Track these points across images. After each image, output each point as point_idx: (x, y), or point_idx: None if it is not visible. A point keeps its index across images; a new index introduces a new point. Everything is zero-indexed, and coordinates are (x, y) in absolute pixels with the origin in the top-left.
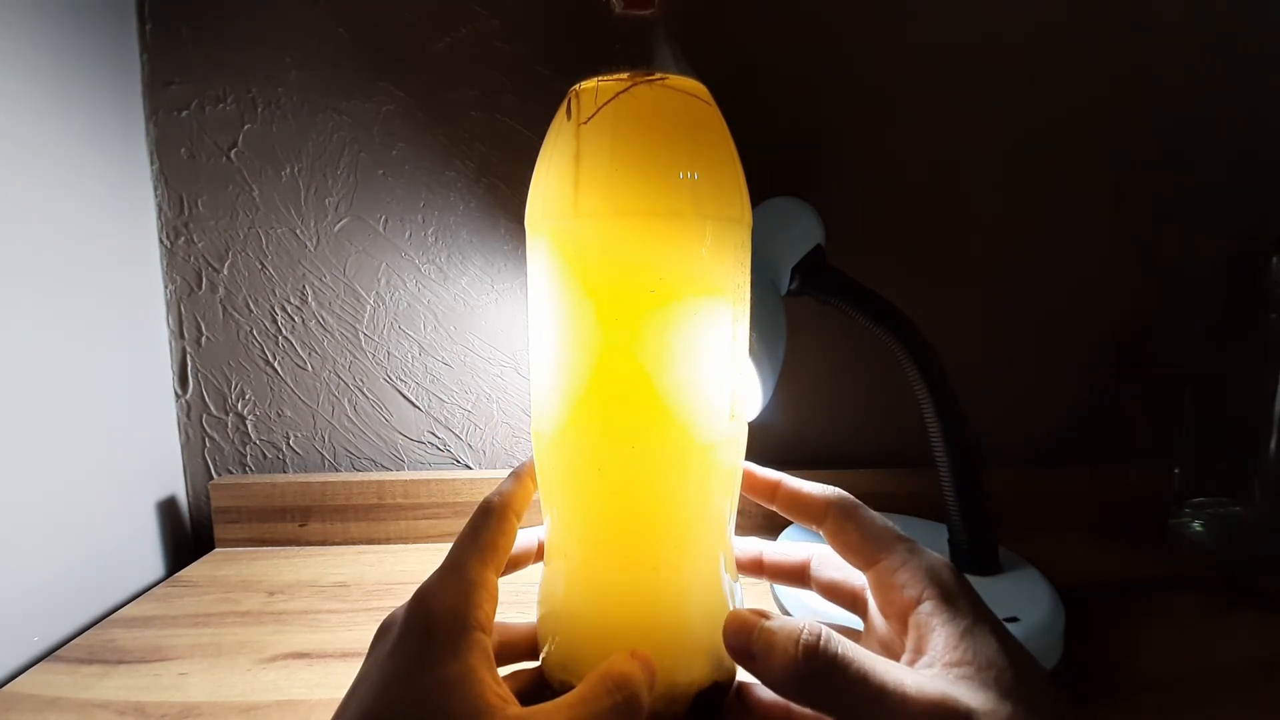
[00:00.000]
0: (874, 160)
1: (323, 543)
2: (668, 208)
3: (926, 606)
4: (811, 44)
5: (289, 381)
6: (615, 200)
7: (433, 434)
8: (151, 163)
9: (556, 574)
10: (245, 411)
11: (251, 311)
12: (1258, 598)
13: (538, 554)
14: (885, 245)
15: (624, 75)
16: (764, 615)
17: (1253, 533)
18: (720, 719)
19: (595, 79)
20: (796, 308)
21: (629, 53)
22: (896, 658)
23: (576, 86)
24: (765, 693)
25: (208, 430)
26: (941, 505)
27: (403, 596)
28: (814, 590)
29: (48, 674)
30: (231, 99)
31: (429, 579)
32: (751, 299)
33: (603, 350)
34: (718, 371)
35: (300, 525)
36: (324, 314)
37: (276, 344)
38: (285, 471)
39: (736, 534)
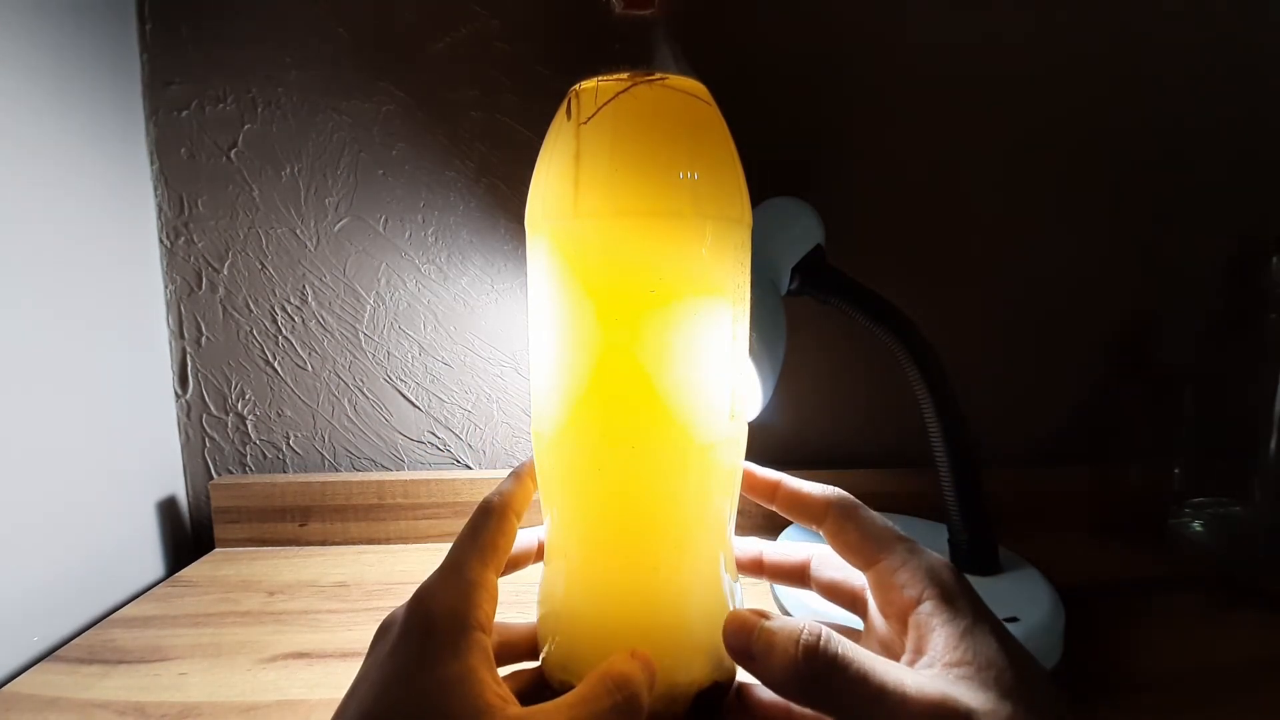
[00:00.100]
0: (874, 160)
1: (323, 543)
2: (668, 208)
3: (926, 606)
4: (811, 44)
5: (289, 381)
6: (615, 200)
7: (433, 434)
8: (151, 163)
9: (556, 574)
10: (245, 411)
11: (251, 311)
12: (1258, 598)
13: (538, 554)
14: (885, 245)
15: (624, 75)
16: (764, 615)
17: (1253, 533)
18: (720, 719)
19: (595, 79)
20: (796, 308)
21: (629, 53)
22: (896, 658)
23: (576, 86)
24: (765, 693)
25: (208, 430)
26: (941, 505)
27: (403, 596)
28: (814, 590)
29: (48, 674)
30: (231, 99)
31: (429, 579)
32: (751, 299)
33: (603, 350)
34: (718, 371)
35: (300, 525)
36: (324, 314)
37: (276, 344)
38: (285, 471)
39: (736, 534)
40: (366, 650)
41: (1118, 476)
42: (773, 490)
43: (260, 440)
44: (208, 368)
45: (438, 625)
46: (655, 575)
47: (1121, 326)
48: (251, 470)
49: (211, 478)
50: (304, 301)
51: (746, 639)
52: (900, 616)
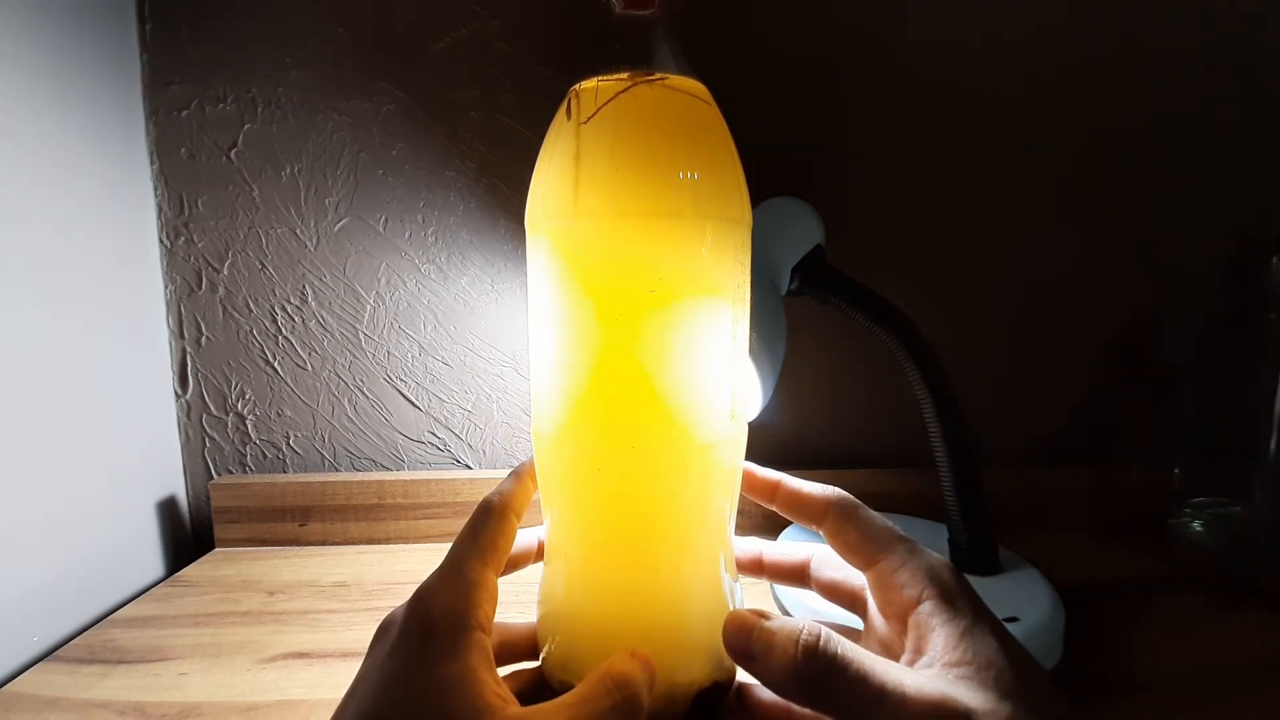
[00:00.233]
0: (874, 160)
1: (323, 543)
2: (668, 208)
3: (926, 606)
4: (811, 44)
5: (289, 381)
6: (615, 200)
7: (433, 434)
8: (151, 163)
9: (556, 574)
10: (245, 411)
11: (251, 311)
12: (1258, 598)
13: (538, 554)
14: (885, 245)
15: (624, 75)
16: (764, 615)
17: (1253, 533)
18: (720, 719)
19: (595, 79)
20: (796, 308)
21: (629, 53)
22: (896, 658)
23: (576, 86)
24: (765, 693)
25: (208, 430)
26: (941, 505)
27: (403, 596)
28: (814, 590)
29: (48, 674)
30: (231, 99)
31: (429, 579)
32: (751, 299)
33: (603, 350)
34: (718, 371)
35: (300, 525)
36: (324, 314)
37: (276, 344)
38: (285, 471)
39: (736, 534)
40: (366, 650)
41: (1118, 476)
42: (773, 490)
43: (260, 440)
44: (208, 368)
45: (437, 625)
46: (655, 575)
47: (1121, 326)
48: (251, 470)
49: (211, 478)
50: (304, 301)
51: (746, 639)
52: (900, 616)
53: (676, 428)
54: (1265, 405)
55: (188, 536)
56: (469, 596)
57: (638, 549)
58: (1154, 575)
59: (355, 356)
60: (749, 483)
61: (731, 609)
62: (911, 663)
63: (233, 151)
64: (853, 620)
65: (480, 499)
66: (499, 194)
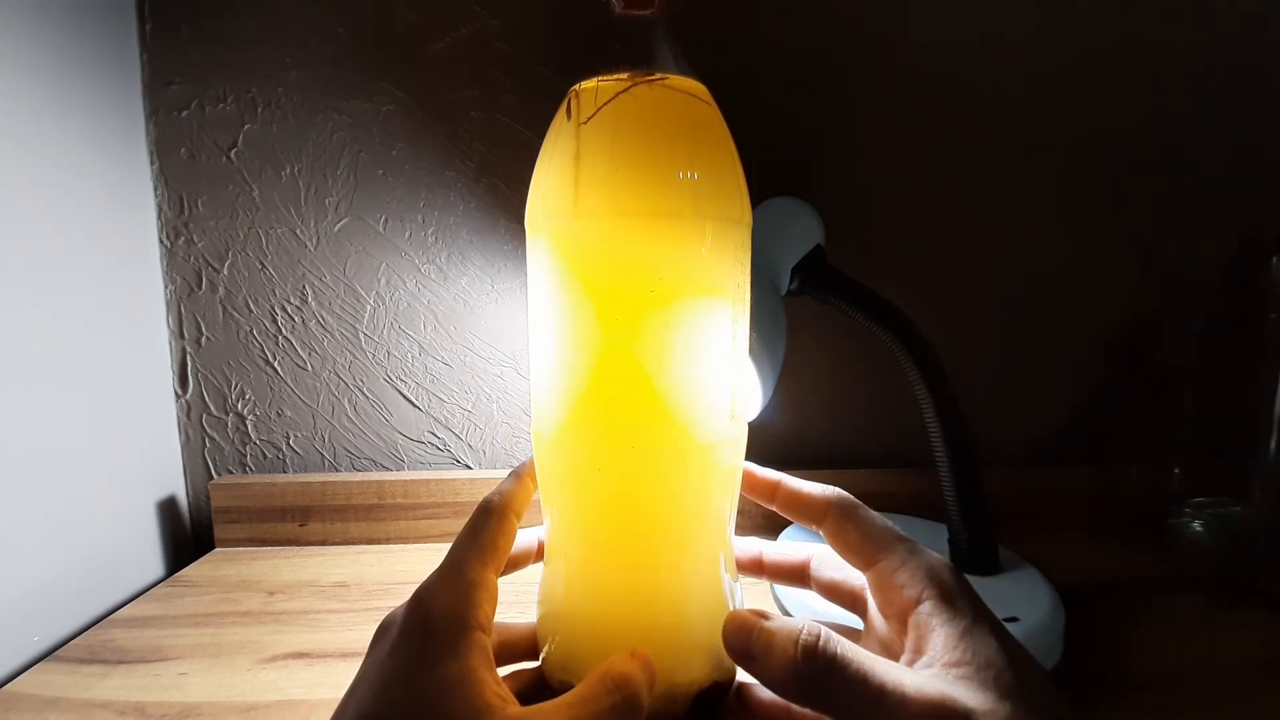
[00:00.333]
0: (874, 160)
1: (323, 543)
2: (668, 208)
3: (926, 606)
4: (811, 44)
5: (289, 381)
6: (615, 200)
7: (433, 434)
8: (151, 163)
9: (556, 574)
10: (245, 411)
11: (251, 311)
12: (1258, 598)
13: (538, 554)
14: (885, 245)
15: (624, 75)
16: (763, 615)
17: (1253, 533)
18: (720, 719)
19: (595, 79)
20: (796, 308)
21: (629, 53)
22: (896, 658)
23: (576, 86)
24: (765, 693)
25: (208, 430)
26: (941, 505)
27: (403, 596)
28: (814, 590)
29: (48, 674)
30: (231, 99)
31: (428, 579)
32: (751, 299)
33: (603, 350)
34: (718, 371)
35: (300, 525)
36: (324, 314)
37: (276, 344)
38: (285, 471)
39: (736, 534)
40: (366, 650)
41: (1118, 476)
42: (773, 490)
43: (260, 440)
44: (208, 368)
45: (437, 625)
46: (655, 575)
47: (1121, 326)
48: (251, 470)
49: (211, 478)
50: (304, 301)
51: (746, 639)
52: (900, 616)
53: (676, 428)
54: (1265, 405)
55: (188, 536)
56: (469, 596)
57: (638, 549)
58: (1154, 575)
59: (355, 356)
60: (749, 483)
61: (731, 609)
62: (911, 663)
63: (233, 151)
64: (853, 620)
65: (480, 499)
66: (499, 194)
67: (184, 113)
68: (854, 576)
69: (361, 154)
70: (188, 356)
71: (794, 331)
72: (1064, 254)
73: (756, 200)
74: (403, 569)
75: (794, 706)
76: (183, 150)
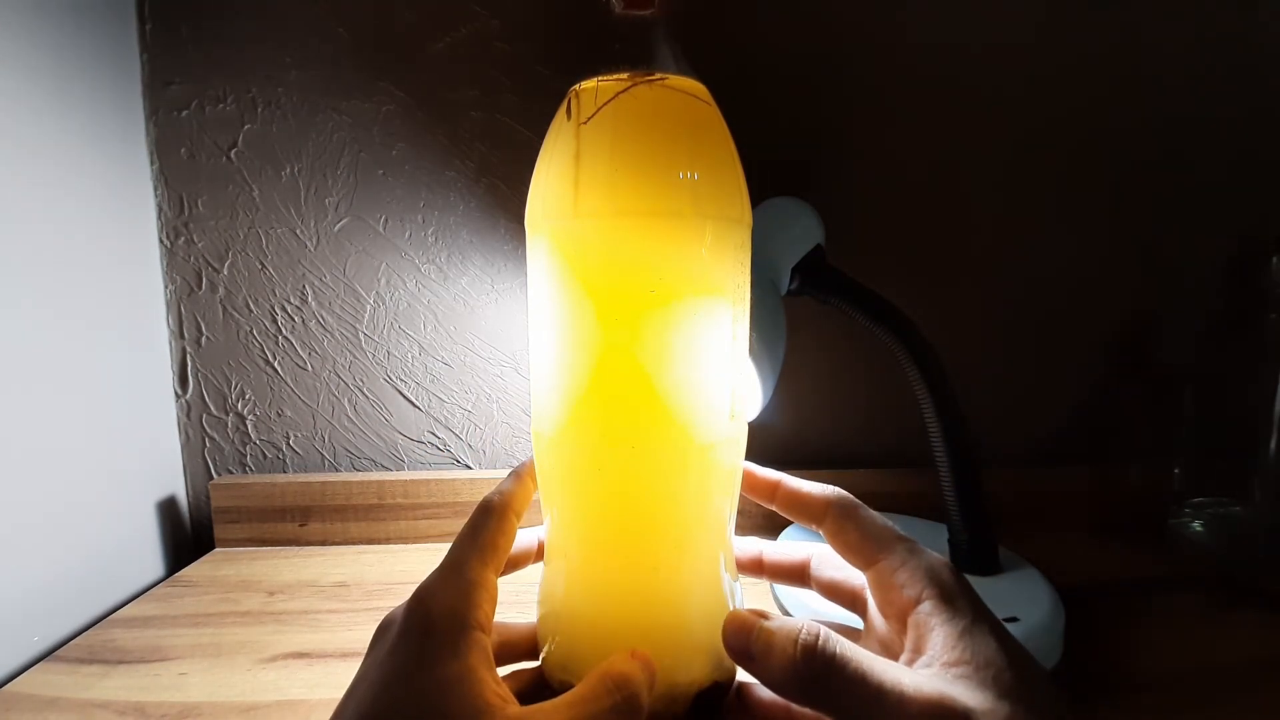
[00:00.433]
0: (874, 160)
1: (323, 543)
2: (668, 208)
3: (925, 606)
4: (811, 44)
5: (289, 381)
6: (615, 200)
7: (433, 434)
8: (151, 163)
9: (556, 574)
10: (245, 411)
11: (251, 311)
12: (1258, 598)
13: (538, 554)
14: (885, 245)
15: (624, 75)
16: (763, 615)
17: (1253, 533)
18: (720, 719)
19: (595, 79)
20: (796, 308)
21: (629, 53)
22: (896, 657)
23: (576, 86)
24: (765, 693)
25: (208, 430)
26: (941, 505)
27: (402, 596)
28: (814, 590)
29: (48, 674)
30: (231, 99)
31: (428, 578)
32: (751, 299)
33: (603, 350)
34: (718, 371)
35: (300, 525)
36: (324, 314)
37: (276, 344)
38: (285, 471)
39: (736, 534)
40: (366, 650)
41: (1118, 476)
42: (773, 490)
43: (260, 440)
44: (208, 368)
45: (437, 625)
46: (655, 575)
47: (1121, 326)
48: (251, 470)
49: (211, 478)
50: (304, 301)
51: (746, 639)
52: (900, 616)
53: (676, 428)
54: (1265, 405)
55: (188, 536)
56: (469, 596)
57: (638, 549)
58: (1154, 575)
59: (355, 356)
60: (749, 483)
61: (731, 609)
62: (910, 662)
63: (233, 151)
64: (853, 620)
65: (480, 499)
66: (499, 194)
67: (184, 113)
68: (854, 576)
69: (361, 154)
70: (188, 356)
71: (794, 331)
72: (1064, 254)
73: (756, 200)
74: (403, 569)
75: (794, 706)
76: (183, 150)
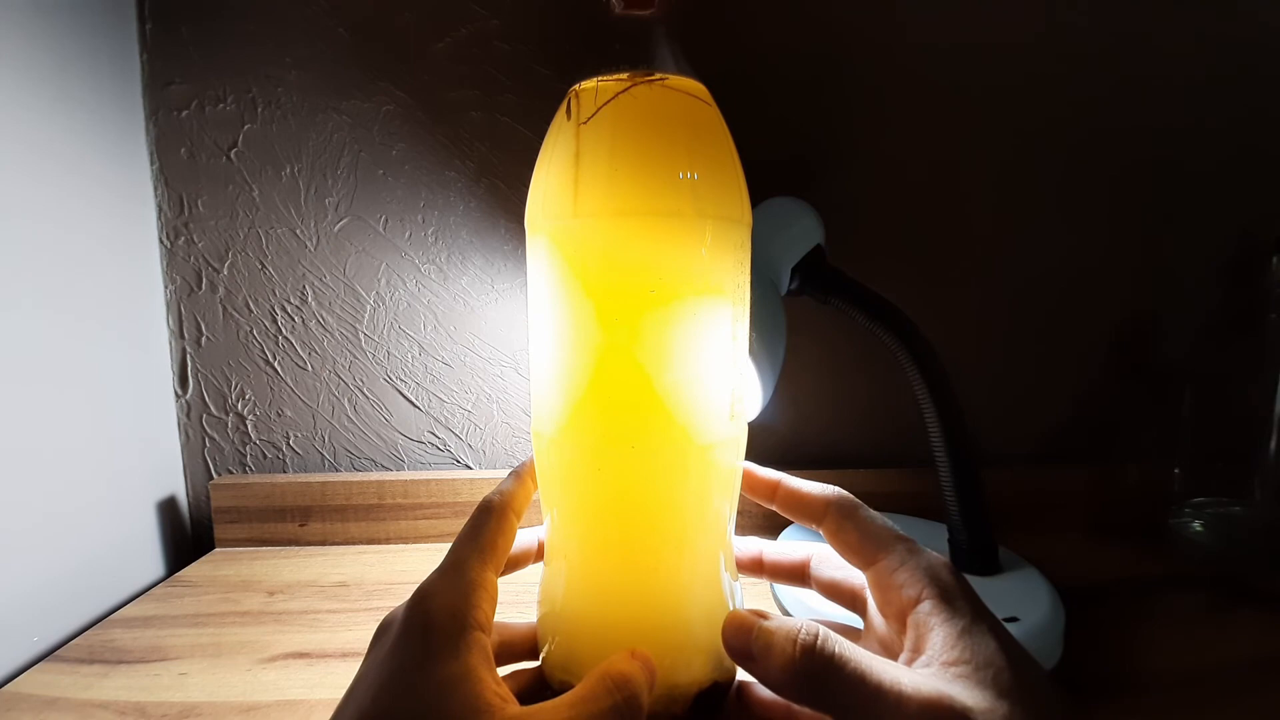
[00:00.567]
0: (874, 160)
1: (323, 543)
2: (668, 208)
3: (925, 606)
4: (811, 44)
5: (289, 381)
6: (615, 200)
7: (433, 434)
8: (151, 163)
9: (556, 574)
10: (245, 411)
11: (251, 311)
12: (1258, 598)
13: (538, 554)
14: (885, 245)
15: (624, 75)
16: (763, 616)
17: (1253, 533)
18: (720, 719)
19: (595, 79)
20: (796, 308)
21: (629, 53)
22: (896, 657)
23: (576, 86)
24: (766, 692)
25: (208, 430)
26: (941, 505)
27: (402, 596)
28: (814, 589)
29: (48, 674)
30: (231, 99)
31: (428, 578)
32: (751, 299)
33: (603, 350)
34: (717, 371)
35: (300, 525)
36: (324, 314)
37: (276, 344)
38: (285, 471)
39: (736, 534)
40: (366, 650)
41: (1118, 476)
42: (773, 490)
43: (260, 440)
44: (208, 368)
45: (437, 625)
46: (655, 575)
47: (1121, 326)
48: (251, 470)
49: (211, 478)
50: (304, 301)
51: (745, 639)
52: (899, 616)
53: (676, 428)
54: (1265, 405)
55: (188, 536)
56: (469, 596)
57: (638, 549)
58: (1154, 575)
59: (355, 356)
60: (749, 483)
61: (731, 609)
62: (910, 662)
63: (233, 151)
64: (853, 619)
65: (480, 499)
66: (499, 194)
67: (184, 113)
68: (854, 576)
69: (361, 154)
70: (188, 356)
71: (794, 331)
72: (1064, 254)
73: (756, 200)
74: (403, 569)
75: (795, 706)
76: (183, 150)
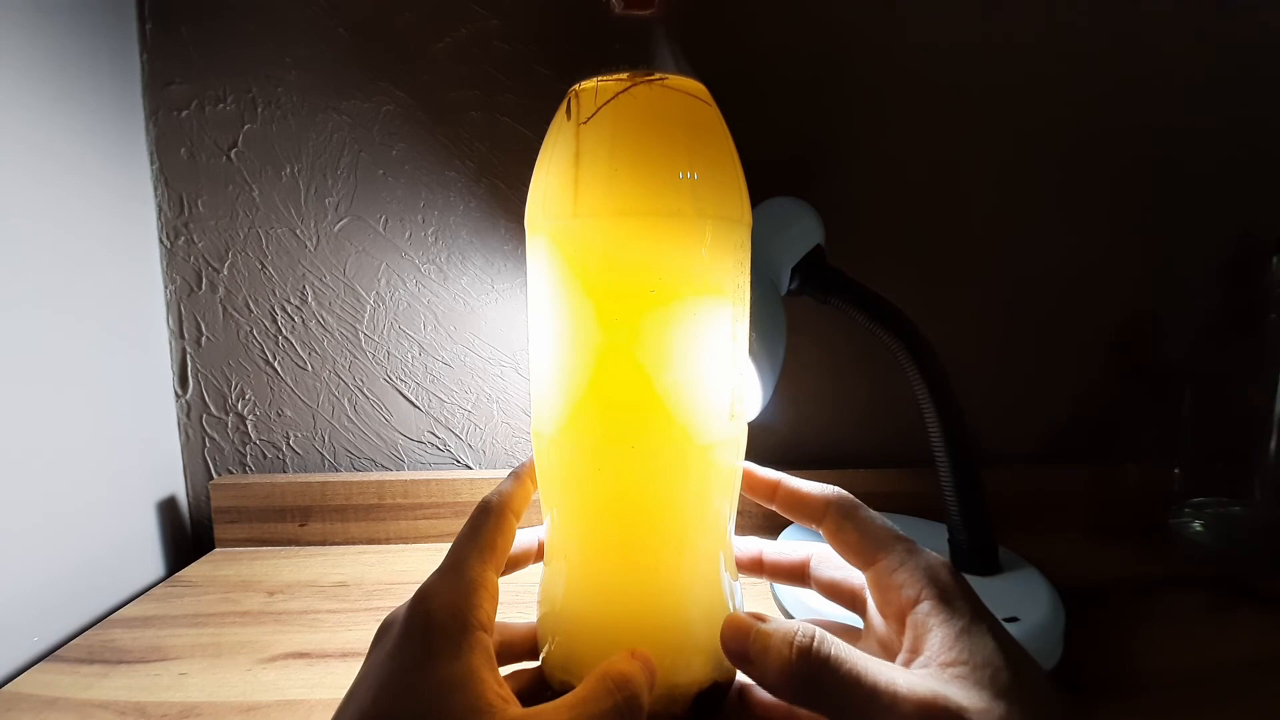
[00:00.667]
0: (874, 160)
1: (323, 543)
2: (667, 208)
3: (924, 606)
4: (811, 44)
5: (289, 381)
6: (615, 200)
7: (433, 434)
8: (151, 163)
9: (556, 574)
10: (245, 411)
11: (251, 311)
12: (1258, 598)
13: (538, 554)
14: (885, 245)
15: (624, 75)
16: (761, 619)
17: (1253, 533)
18: (720, 719)
19: (595, 79)
20: (796, 308)
21: (629, 53)
22: (895, 657)
23: (576, 86)
24: (765, 693)
25: (208, 430)
26: (941, 505)
27: (403, 596)
28: (813, 589)
29: (48, 674)
30: (231, 99)
31: (429, 579)
32: (751, 299)
33: (603, 350)
34: (717, 371)
35: (300, 525)
36: (324, 314)
37: (276, 344)
38: (285, 471)
39: (736, 534)
40: (366, 650)
41: (1118, 476)
42: (772, 490)
43: (260, 440)
44: (208, 368)
45: (438, 625)
46: (655, 575)
47: (1121, 326)
48: (251, 470)
49: (211, 478)
50: (304, 301)
51: (743, 642)
52: (898, 616)
53: (676, 428)
54: (1265, 405)
55: (188, 536)
56: (470, 596)
57: (638, 549)
58: (1154, 575)
59: (355, 356)
60: (749, 483)
61: (731, 609)
62: (908, 662)
63: (233, 151)
64: (853, 619)
65: (480, 499)
66: (499, 194)
67: (184, 113)
68: (854, 576)
69: (361, 154)
70: (188, 356)
71: (794, 331)
72: (1064, 253)
73: (756, 200)
74: (403, 569)
75: (795, 706)
76: (183, 150)
